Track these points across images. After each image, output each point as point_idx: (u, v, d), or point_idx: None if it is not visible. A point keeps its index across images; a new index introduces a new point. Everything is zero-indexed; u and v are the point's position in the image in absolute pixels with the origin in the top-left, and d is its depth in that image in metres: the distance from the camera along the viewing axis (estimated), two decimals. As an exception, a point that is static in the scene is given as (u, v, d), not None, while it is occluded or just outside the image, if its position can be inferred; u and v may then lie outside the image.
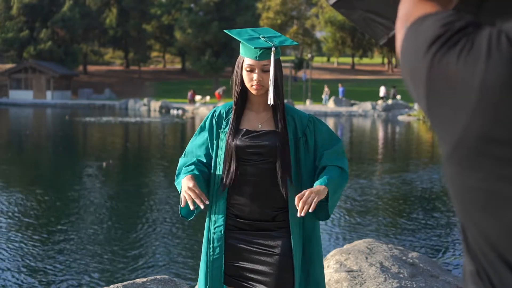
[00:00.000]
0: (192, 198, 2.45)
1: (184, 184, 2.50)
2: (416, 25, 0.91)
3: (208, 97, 47.03)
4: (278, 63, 2.56)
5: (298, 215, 2.43)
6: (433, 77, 0.85)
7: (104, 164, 14.54)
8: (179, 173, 2.65)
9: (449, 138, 0.85)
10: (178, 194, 10.10)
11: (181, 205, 2.59)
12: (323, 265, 2.72)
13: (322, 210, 2.61)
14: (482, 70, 0.80)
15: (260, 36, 2.59)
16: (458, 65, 0.82)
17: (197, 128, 2.74)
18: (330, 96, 43.57)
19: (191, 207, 2.47)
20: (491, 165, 0.81)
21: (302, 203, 2.42)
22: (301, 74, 52.21)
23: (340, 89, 43.62)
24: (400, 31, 0.96)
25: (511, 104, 0.78)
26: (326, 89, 44.21)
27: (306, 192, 2.45)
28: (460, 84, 0.82)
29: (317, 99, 46.56)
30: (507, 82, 0.78)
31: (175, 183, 2.67)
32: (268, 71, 2.55)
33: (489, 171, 0.81)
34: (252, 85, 2.56)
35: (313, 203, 2.42)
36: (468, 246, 0.89)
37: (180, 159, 2.73)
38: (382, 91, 42.10)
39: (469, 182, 0.84)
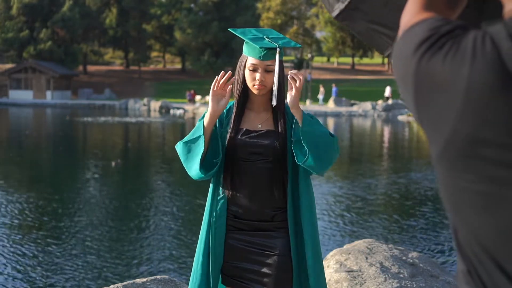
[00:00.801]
0: (217, 84, 2.54)
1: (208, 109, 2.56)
2: (408, 31, 0.92)
3: (208, 97, 47.04)
4: (281, 64, 2.56)
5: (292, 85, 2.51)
6: (421, 79, 0.86)
7: (113, 163, 14.58)
8: (187, 146, 2.59)
9: (438, 139, 0.86)
10: (180, 194, 10.00)
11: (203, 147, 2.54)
12: (322, 265, 2.71)
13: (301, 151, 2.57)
14: (467, 72, 0.81)
15: (264, 37, 2.59)
16: (444, 67, 0.83)
17: (197, 123, 2.68)
18: (325, 96, 43.80)
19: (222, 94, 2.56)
20: (480, 167, 0.81)
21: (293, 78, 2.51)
22: (306, 74, 52.11)
23: (334, 89, 43.56)
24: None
25: (498, 105, 0.79)
26: (321, 89, 44.30)
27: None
28: (447, 86, 0.83)
29: (317, 99, 46.54)
30: (492, 84, 0.79)
31: (179, 149, 2.61)
32: (271, 71, 2.54)
33: (478, 173, 0.82)
34: (254, 85, 2.56)
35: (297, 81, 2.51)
36: (459, 246, 0.90)
37: (177, 146, 2.65)
38: (388, 91, 41.86)
39: (459, 183, 0.85)
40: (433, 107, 0.85)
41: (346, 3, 1.27)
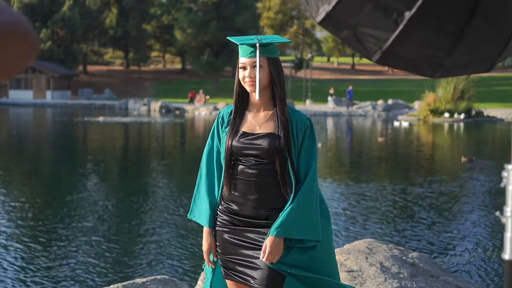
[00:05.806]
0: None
1: (204, 245, 2.78)
2: None
3: (207, 97, 47.33)
4: (272, 61, 2.66)
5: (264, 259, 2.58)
6: None
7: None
8: (198, 193, 2.82)
9: None
10: (180, 193, 9.95)
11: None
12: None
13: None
14: None
15: (255, 39, 2.68)
16: None
17: (210, 132, 2.85)
18: (337, 98, 42.16)
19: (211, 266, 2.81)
20: None
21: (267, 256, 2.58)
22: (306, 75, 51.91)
23: (349, 90, 41.01)
24: None
25: None
26: (331, 91, 42.55)
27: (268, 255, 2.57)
28: None
29: (317, 99, 46.57)
30: None
31: (193, 202, 2.85)
32: (260, 67, 2.64)
33: None
34: (245, 82, 2.67)
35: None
36: None
37: (201, 163, 2.83)
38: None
39: None
40: None
41: (333, 3, 1.15)
